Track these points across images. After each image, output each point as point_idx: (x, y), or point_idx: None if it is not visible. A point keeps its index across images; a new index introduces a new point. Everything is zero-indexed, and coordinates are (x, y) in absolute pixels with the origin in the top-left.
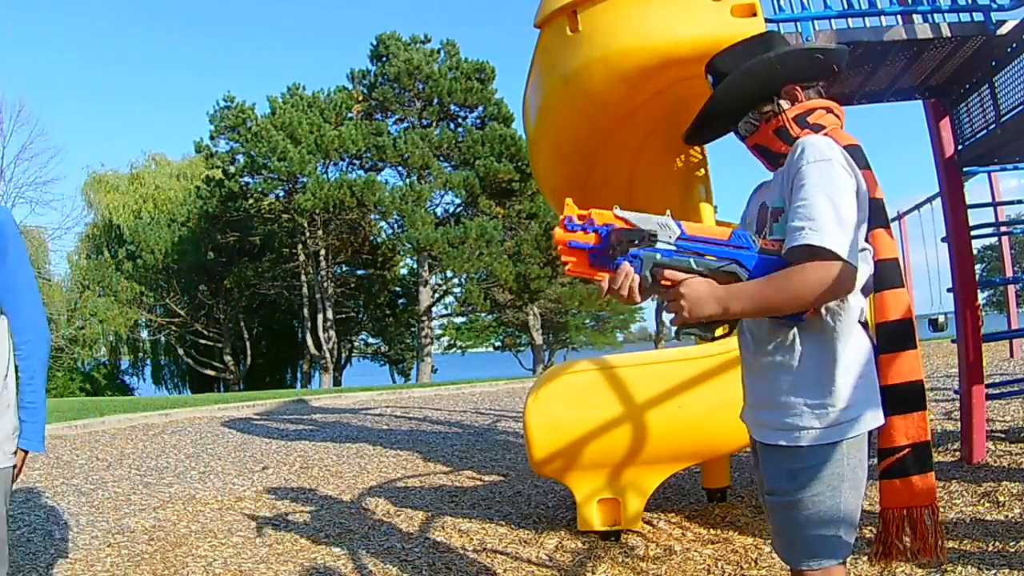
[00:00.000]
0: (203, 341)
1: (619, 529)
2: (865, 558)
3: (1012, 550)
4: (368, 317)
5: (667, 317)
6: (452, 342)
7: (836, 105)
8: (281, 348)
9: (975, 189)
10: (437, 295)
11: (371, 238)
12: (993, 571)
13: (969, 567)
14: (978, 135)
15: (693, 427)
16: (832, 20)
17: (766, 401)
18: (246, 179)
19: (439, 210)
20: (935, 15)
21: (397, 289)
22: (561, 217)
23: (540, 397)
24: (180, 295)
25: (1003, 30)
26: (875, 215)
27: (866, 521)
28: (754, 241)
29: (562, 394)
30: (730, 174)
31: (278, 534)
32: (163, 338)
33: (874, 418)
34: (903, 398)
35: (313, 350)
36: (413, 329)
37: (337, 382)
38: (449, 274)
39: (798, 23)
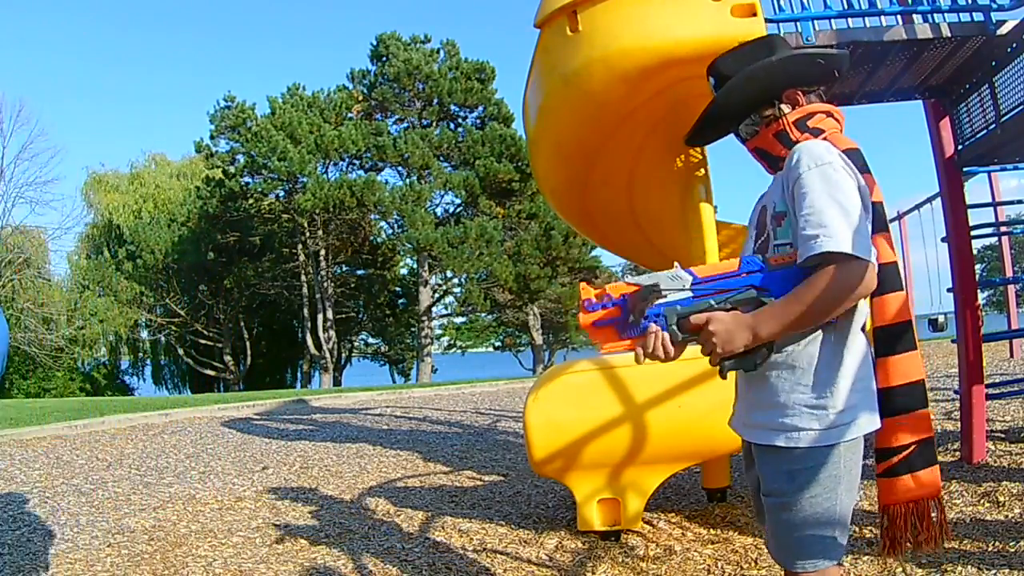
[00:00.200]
0: (203, 341)
1: (619, 529)
2: (866, 558)
3: (1012, 550)
4: (368, 317)
5: (704, 357)
6: (452, 342)
7: (836, 109)
8: (281, 348)
9: (975, 189)
10: (437, 295)
11: (371, 238)
12: (993, 571)
13: (969, 567)
14: (978, 135)
15: (693, 427)
16: (832, 20)
17: (763, 402)
18: (246, 179)
19: (439, 210)
20: (935, 15)
21: (397, 289)
22: (580, 302)
23: (540, 397)
24: (180, 295)
25: (1003, 30)
26: (875, 220)
27: (867, 521)
28: (764, 261)
29: (562, 394)
30: (730, 174)
31: (278, 534)
32: (163, 338)
33: (870, 422)
34: (907, 398)
35: (313, 350)
36: (413, 329)
37: (337, 382)
38: (449, 274)
39: (798, 23)
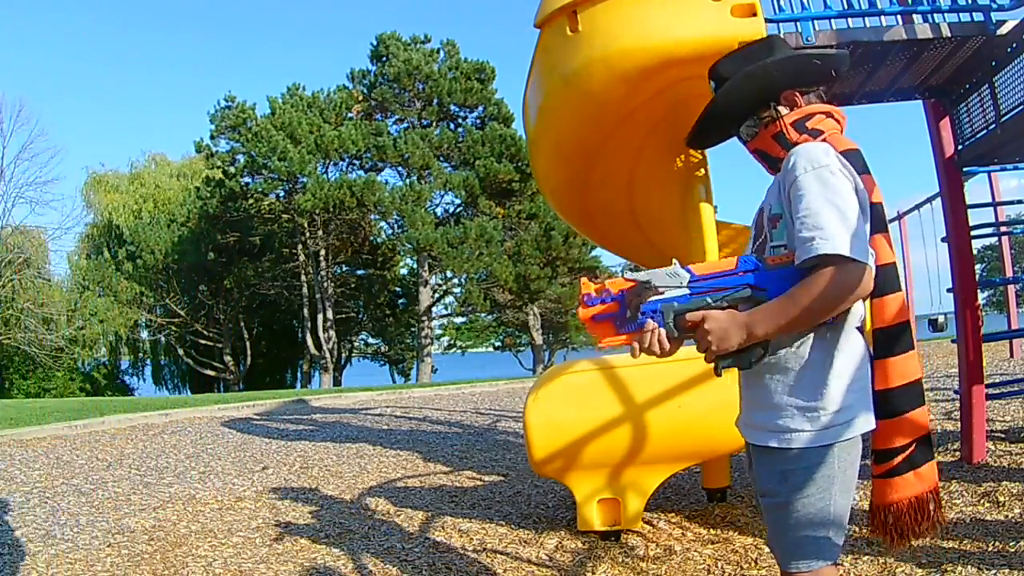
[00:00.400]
0: (203, 341)
1: (619, 529)
2: (866, 558)
3: (1012, 550)
4: (368, 317)
5: (700, 354)
6: (452, 342)
7: (836, 109)
8: (281, 348)
9: (975, 189)
10: (437, 295)
11: (371, 238)
12: (993, 571)
13: (969, 567)
14: (978, 135)
15: (693, 427)
16: (832, 20)
17: (760, 403)
18: (246, 179)
19: (439, 210)
20: (935, 15)
21: (397, 289)
22: (580, 296)
23: (540, 397)
24: (180, 295)
25: (1003, 30)
26: (874, 220)
27: (867, 521)
28: (761, 260)
29: (562, 394)
30: (730, 174)
31: (278, 534)
32: (163, 338)
33: (866, 422)
34: (906, 398)
35: (313, 350)
36: (413, 329)
37: (337, 382)
38: (449, 274)
39: (798, 23)
